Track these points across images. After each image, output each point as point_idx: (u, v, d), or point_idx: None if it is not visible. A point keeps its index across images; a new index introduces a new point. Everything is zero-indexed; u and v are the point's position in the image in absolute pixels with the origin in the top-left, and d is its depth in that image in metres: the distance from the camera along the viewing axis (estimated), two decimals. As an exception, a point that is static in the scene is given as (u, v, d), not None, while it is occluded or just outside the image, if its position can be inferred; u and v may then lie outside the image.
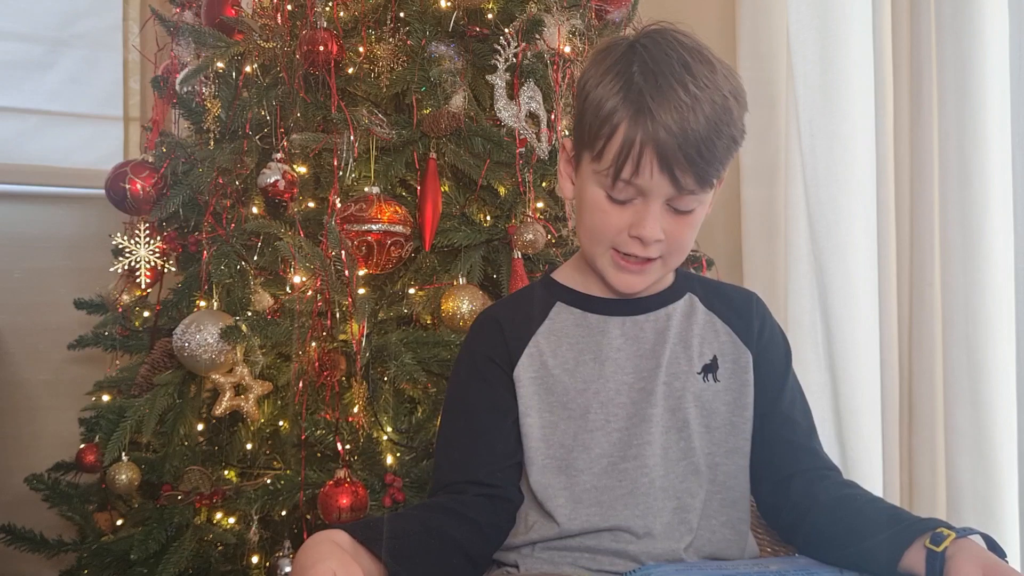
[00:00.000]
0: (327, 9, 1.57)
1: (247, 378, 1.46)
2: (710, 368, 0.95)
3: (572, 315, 0.98)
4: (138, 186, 1.62)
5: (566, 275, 1.02)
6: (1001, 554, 0.78)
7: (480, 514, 0.91)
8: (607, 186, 0.88)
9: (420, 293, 1.53)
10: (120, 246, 1.59)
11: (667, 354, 0.95)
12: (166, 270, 1.63)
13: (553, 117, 1.57)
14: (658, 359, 0.95)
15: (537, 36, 1.58)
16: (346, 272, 1.39)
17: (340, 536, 0.78)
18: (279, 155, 1.52)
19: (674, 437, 0.93)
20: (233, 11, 1.64)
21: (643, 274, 0.93)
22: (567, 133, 1.59)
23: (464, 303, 1.44)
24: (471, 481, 0.93)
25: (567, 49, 1.61)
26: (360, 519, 0.84)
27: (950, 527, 0.79)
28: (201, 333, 1.44)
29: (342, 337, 1.42)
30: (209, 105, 1.61)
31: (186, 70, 1.66)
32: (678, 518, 0.91)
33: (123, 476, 1.49)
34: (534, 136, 1.54)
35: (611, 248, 0.91)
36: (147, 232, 1.60)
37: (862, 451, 1.90)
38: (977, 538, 0.78)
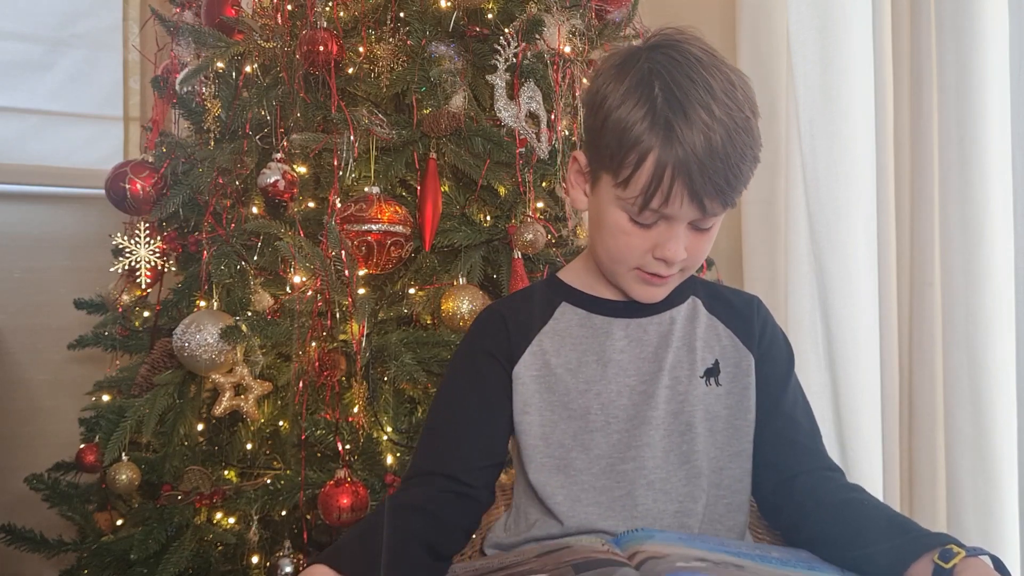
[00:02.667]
0: (327, 9, 1.57)
1: (247, 378, 1.46)
2: (712, 372, 0.95)
3: (576, 315, 0.98)
4: (138, 186, 1.62)
5: (571, 275, 1.02)
6: (1005, 573, 0.77)
7: (447, 513, 0.91)
8: (633, 212, 0.87)
9: (420, 293, 1.53)
10: (120, 246, 1.59)
11: (670, 358, 0.95)
12: (166, 270, 1.63)
13: (553, 117, 1.57)
14: (660, 362, 0.95)
15: (537, 36, 1.58)
16: (346, 272, 1.39)
17: (324, 572, 0.79)
18: (279, 155, 1.52)
19: (676, 440, 0.93)
20: (233, 11, 1.64)
21: (666, 286, 0.94)
22: (567, 133, 1.59)
23: (464, 303, 1.44)
24: (446, 475, 0.92)
25: (567, 49, 1.61)
26: (336, 544, 0.85)
27: (960, 544, 0.78)
28: (201, 333, 1.44)
29: (342, 337, 1.42)
30: (209, 105, 1.61)
31: (186, 70, 1.66)
32: (678, 522, 0.90)
33: (123, 476, 1.49)
34: (534, 136, 1.54)
35: (635, 268, 0.91)
36: (147, 232, 1.60)
37: (862, 451, 1.90)
38: (986, 559, 0.77)
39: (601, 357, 0.95)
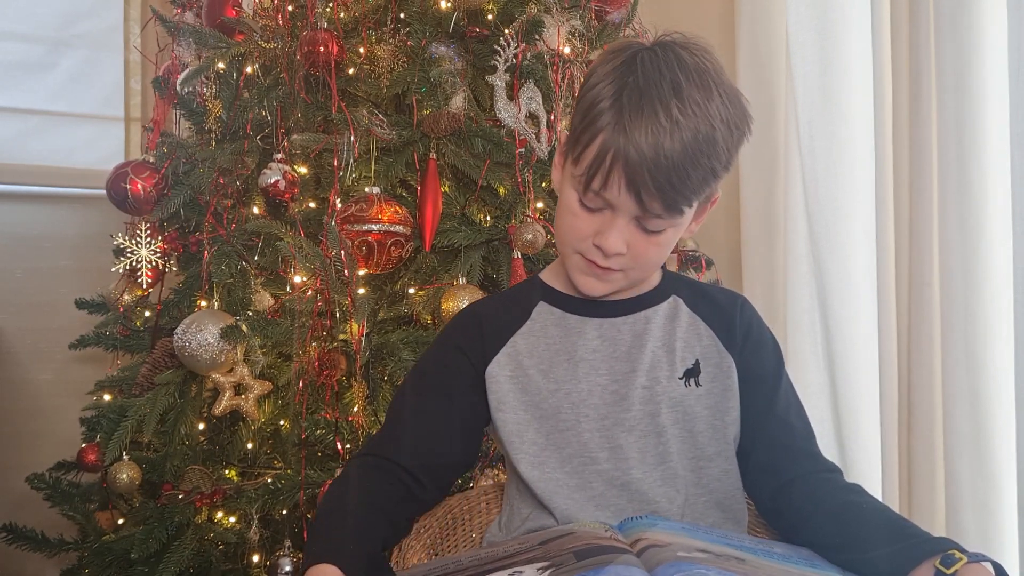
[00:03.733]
0: (328, 10, 1.57)
1: (247, 378, 1.47)
2: (692, 373, 0.95)
3: (552, 315, 0.98)
4: (139, 186, 1.63)
5: (551, 275, 1.02)
6: None
7: (395, 508, 0.92)
8: (580, 192, 0.88)
9: (420, 293, 1.53)
10: (121, 246, 1.60)
11: (648, 358, 0.94)
12: (167, 270, 1.63)
13: (553, 118, 1.57)
14: (635, 362, 0.94)
15: (537, 37, 1.58)
16: (346, 272, 1.39)
17: (334, 572, 0.79)
18: (280, 155, 1.53)
19: (652, 441, 0.92)
20: (234, 12, 1.64)
21: (605, 280, 0.93)
22: (567, 133, 1.59)
23: (464, 303, 1.44)
24: (401, 466, 0.93)
25: (567, 50, 1.61)
26: (335, 542, 0.85)
27: (963, 550, 0.77)
28: (202, 333, 1.44)
29: (342, 337, 1.42)
30: (210, 106, 1.62)
31: (187, 71, 1.67)
32: None
33: (124, 475, 1.49)
34: (534, 136, 1.54)
35: (577, 252, 0.92)
36: (148, 232, 1.61)
37: (861, 451, 1.91)
38: (988, 566, 0.76)
39: (572, 356, 0.95)
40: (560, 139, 0.97)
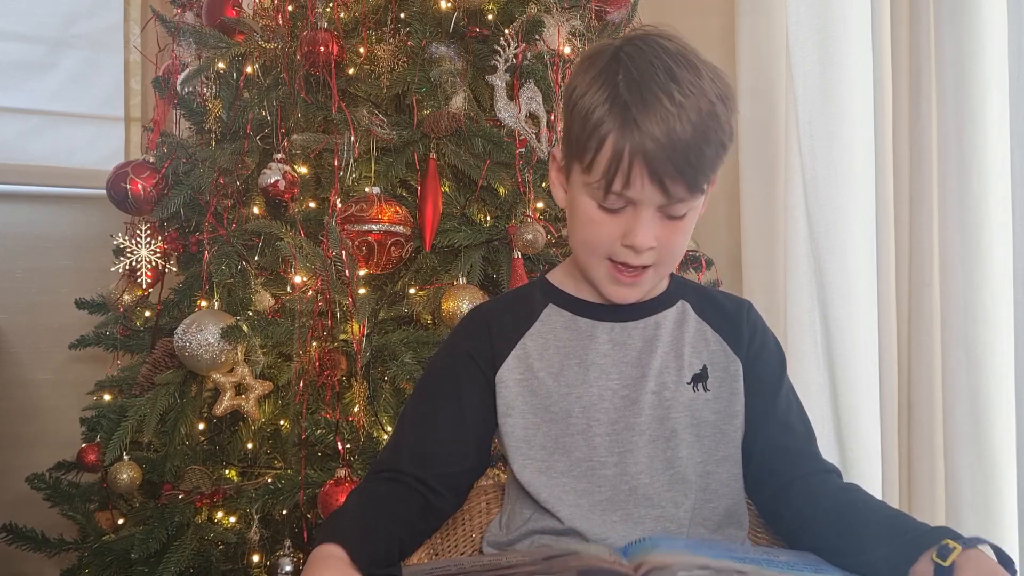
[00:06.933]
0: (328, 10, 1.57)
1: (248, 378, 1.47)
2: (700, 378, 0.95)
3: (562, 318, 0.98)
4: (139, 186, 1.63)
5: (560, 277, 1.01)
6: (1007, 562, 0.77)
7: (416, 520, 0.92)
8: (599, 198, 0.87)
9: (420, 293, 1.53)
10: (121, 246, 1.60)
11: (657, 363, 0.94)
12: (167, 270, 1.63)
13: (553, 117, 1.57)
14: (645, 367, 0.94)
15: (537, 37, 1.58)
16: (346, 272, 1.39)
17: (340, 551, 0.80)
18: (280, 155, 1.53)
19: (661, 446, 0.92)
20: (234, 12, 1.64)
21: (637, 286, 0.93)
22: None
23: (464, 303, 1.44)
24: (417, 477, 0.93)
25: (567, 50, 1.61)
26: (341, 526, 0.86)
27: (957, 537, 0.78)
28: (202, 333, 1.44)
29: (343, 337, 1.43)
30: (210, 106, 1.62)
31: (187, 71, 1.67)
32: (660, 527, 0.90)
33: (124, 475, 1.49)
34: (534, 136, 1.54)
35: (607, 259, 0.91)
36: (148, 232, 1.61)
37: (861, 451, 1.91)
38: (986, 548, 0.77)
39: (583, 360, 0.95)
40: (554, 155, 0.96)
